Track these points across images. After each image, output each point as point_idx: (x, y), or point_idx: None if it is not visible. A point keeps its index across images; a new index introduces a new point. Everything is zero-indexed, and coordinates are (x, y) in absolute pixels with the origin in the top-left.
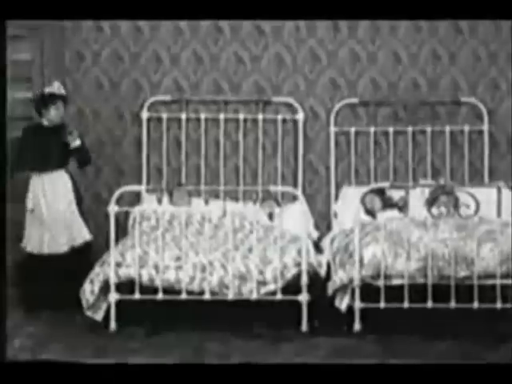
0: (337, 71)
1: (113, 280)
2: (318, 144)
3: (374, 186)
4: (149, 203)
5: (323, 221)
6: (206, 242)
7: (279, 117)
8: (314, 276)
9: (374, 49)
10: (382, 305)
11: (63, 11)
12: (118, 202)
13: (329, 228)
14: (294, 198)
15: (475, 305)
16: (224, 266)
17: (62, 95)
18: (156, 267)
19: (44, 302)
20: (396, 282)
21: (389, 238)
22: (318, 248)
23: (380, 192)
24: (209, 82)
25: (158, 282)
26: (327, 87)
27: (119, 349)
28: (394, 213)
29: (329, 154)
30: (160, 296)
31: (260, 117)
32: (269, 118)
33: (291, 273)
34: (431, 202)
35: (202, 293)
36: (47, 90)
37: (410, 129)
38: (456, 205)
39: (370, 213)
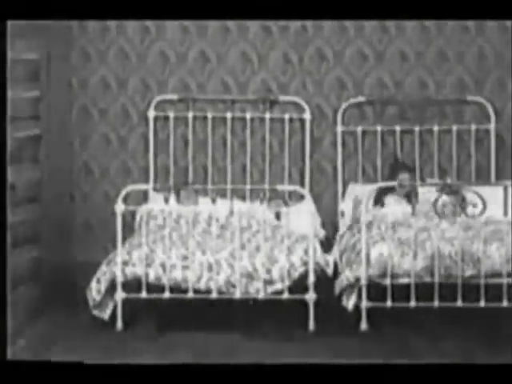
0: (344, 70)
1: (119, 279)
2: (324, 143)
3: (380, 184)
4: (156, 202)
5: (330, 220)
6: (213, 241)
7: (286, 116)
8: (321, 275)
9: (381, 48)
10: (389, 304)
11: (67, 11)
12: (125, 200)
13: (336, 227)
14: (301, 198)
15: (482, 304)
16: (231, 265)
17: None
18: (163, 266)
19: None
20: (403, 280)
21: (395, 236)
22: (324, 247)
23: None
24: (216, 81)
25: (165, 281)
26: (334, 86)
27: (126, 348)
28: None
29: (336, 153)
30: (167, 295)
31: (267, 116)
32: (276, 117)
33: (298, 272)
34: (438, 201)
35: (208, 292)
36: None
37: (416, 128)
38: (462, 204)
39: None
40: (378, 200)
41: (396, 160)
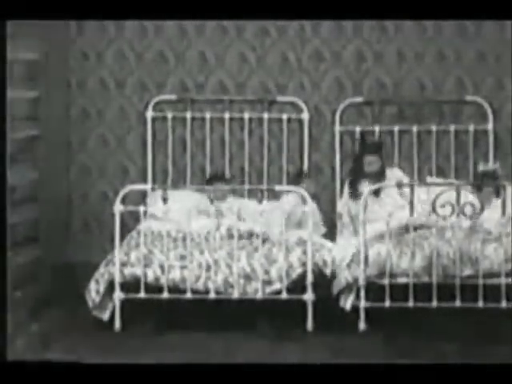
0: (342, 71)
1: (118, 279)
2: (323, 143)
3: (376, 185)
4: (154, 202)
5: (328, 220)
6: (211, 241)
7: (284, 116)
8: (319, 275)
9: (379, 48)
10: (387, 304)
11: (66, 11)
12: (124, 201)
13: (333, 227)
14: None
15: (480, 304)
16: (229, 265)
17: None
18: (161, 266)
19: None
20: (401, 280)
21: (394, 236)
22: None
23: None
24: (214, 82)
25: (163, 281)
26: (332, 87)
27: (124, 348)
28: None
29: (334, 153)
30: (165, 295)
31: (265, 116)
32: (274, 118)
33: (296, 272)
34: (477, 189)
35: (207, 292)
36: None
37: (415, 128)
38: (499, 192)
39: (356, 196)
40: (354, 192)
41: (363, 141)
